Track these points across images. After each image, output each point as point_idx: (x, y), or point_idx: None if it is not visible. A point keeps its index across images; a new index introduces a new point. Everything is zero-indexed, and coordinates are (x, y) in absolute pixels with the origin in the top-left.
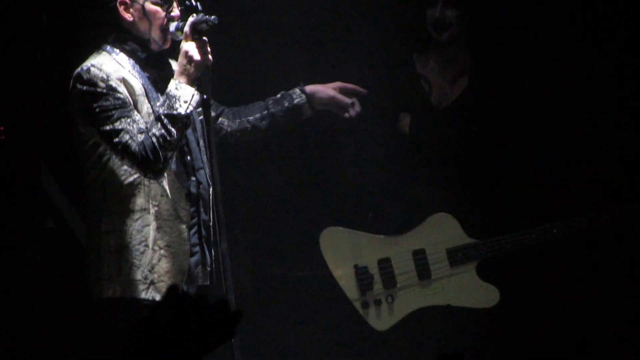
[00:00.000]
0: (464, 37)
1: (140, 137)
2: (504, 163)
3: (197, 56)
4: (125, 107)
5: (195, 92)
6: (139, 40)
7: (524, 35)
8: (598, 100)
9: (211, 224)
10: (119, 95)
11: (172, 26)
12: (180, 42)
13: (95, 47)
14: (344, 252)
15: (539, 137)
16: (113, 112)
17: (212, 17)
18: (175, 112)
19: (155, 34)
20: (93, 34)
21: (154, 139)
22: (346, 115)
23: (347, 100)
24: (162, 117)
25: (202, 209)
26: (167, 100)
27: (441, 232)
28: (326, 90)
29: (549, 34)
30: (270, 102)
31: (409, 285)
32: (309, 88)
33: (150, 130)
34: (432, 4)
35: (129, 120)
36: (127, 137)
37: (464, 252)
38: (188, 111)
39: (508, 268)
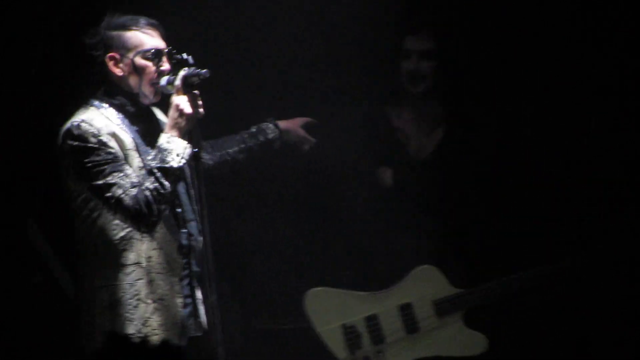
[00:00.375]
0: (437, 88)
1: (134, 191)
2: (486, 210)
3: (188, 109)
4: (117, 162)
5: (188, 145)
6: (127, 94)
7: (494, 84)
8: (574, 143)
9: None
10: (110, 150)
11: (163, 80)
12: (170, 95)
13: (82, 101)
14: (329, 312)
15: (517, 183)
16: (105, 167)
17: (204, 70)
18: (167, 165)
19: (145, 89)
20: (81, 88)
21: (148, 193)
22: (305, 147)
23: (312, 139)
24: (155, 170)
25: (193, 261)
26: (159, 154)
27: (426, 284)
28: (296, 128)
29: (516, 84)
30: (246, 135)
31: (398, 340)
32: (282, 124)
33: (143, 184)
34: (407, 56)
35: (121, 174)
36: (119, 191)
37: (451, 303)
38: (180, 164)
39: (496, 314)
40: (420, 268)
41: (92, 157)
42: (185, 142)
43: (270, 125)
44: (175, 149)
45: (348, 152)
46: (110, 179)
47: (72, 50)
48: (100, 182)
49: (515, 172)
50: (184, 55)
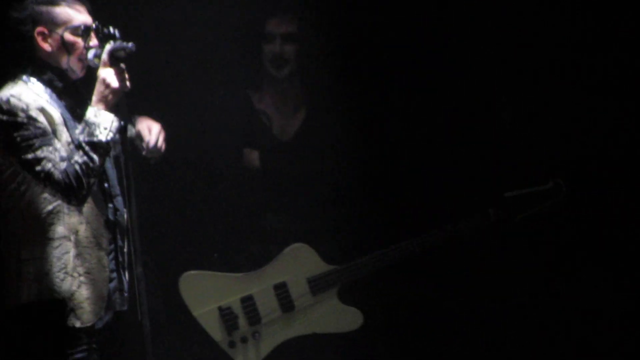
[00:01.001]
0: (299, 71)
1: (63, 165)
2: (354, 186)
3: (114, 83)
4: (46, 136)
5: (115, 118)
6: (56, 70)
7: (353, 64)
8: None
9: (126, 250)
10: (39, 124)
11: (90, 53)
12: (97, 69)
13: (10, 76)
14: (205, 295)
15: (381, 157)
16: (34, 140)
17: (130, 44)
18: (95, 139)
19: (74, 64)
20: (8, 63)
21: (77, 167)
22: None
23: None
24: (84, 144)
25: (118, 236)
26: (87, 128)
27: (300, 262)
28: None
29: (380, 62)
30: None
31: (274, 320)
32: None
33: (72, 158)
34: (270, 40)
35: (50, 148)
36: (49, 165)
37: (325, 280)
38: (109, 138)
39: (369, 288)
40: (293, 246)
41: (21, 132)
42: (112, 115)
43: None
44: (103, 122)
45: (214, 135)
46: (39, 153)
47: None
48: (30, 156)
49: (377, 147)
50: (111, 30)
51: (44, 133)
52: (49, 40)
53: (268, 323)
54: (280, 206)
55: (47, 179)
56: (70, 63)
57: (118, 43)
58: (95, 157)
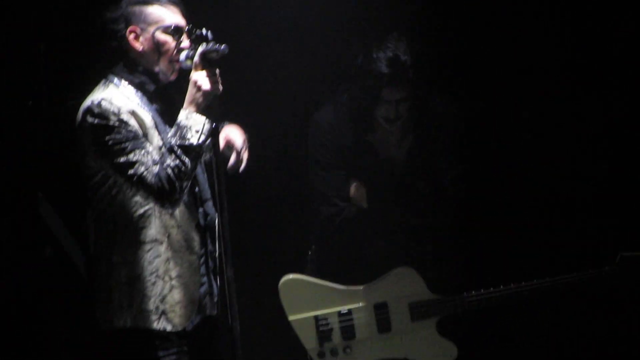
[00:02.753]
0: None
1: (155, 169)
2: (473, 219)
3: (206, 85)
4: (137, 139)
5: (207, 121)
6: (146, 71)
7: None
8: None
9: (217, 254)
10: (130, 128)
11: (182, 55)
12: (189, 71)
13: (101, 77)
14: (304, 302)
15: (505, 193)
16: (126, 144)
17: (223, 46)
18: (187, 142)
19: (164, 65)
20: (100, 63)
21: (169, 170)
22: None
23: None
24: (175, 147)
25: (209, 240)
26: (179, 131)
27: (404, 286)
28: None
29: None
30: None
31: (368, 338)
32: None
33: (164, 162)
34: (386, 104)
35: (142, 152)
36: (142, 168)
37: (427, 308)
38: (200, 141)
39: (469, 325)
40: (401, 269)
41: (113, 135)
42: (204, 117)
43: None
44: (194, 125)
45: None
46: (132, 157)
47: (92, 25)
48: (122, 159)
49: (504, 179)
50: (204, 31)
51: (135, 136)
52: (141, 39)
53: (362, 340)
54: (394, 229)
55: (139, 182)
56: (161, 64)
57: (210, 45)
58: (187, 160)
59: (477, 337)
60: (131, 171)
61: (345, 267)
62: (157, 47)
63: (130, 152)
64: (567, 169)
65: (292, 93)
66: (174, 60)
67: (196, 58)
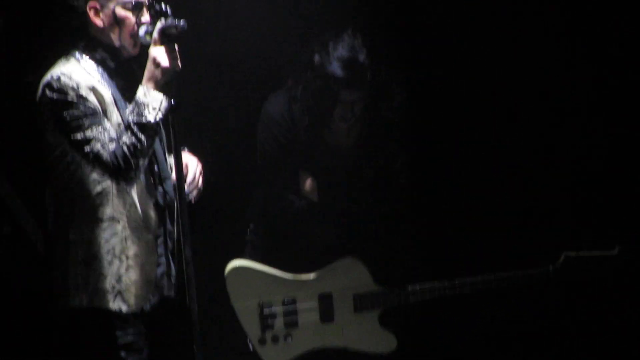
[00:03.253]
0: None
1: (112, 146)
2: (421, 209)
3: (165, 62)
4: (95, 116)
5: (164, 98)
6: (108, 47)
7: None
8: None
9: (175, 234)
10: (89, 104)
11: (142, 30)
12: (148, 46)
13: (62, 53)
14: (249, 288)
15: (454, 184)
16: (83, 120)
17: (181, 21)
18: (144, 119)
19: (125, 40)
20: (59, 40)
21: (125, 148)
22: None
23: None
24: (132, 125)
25: (167, 219)
26: (136, 108)
27: (350, 276)
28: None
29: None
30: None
31: (310, 326)
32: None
33: (120, 139)
34: (343, 104)
35: (99, 128)
36: (98, 145)
37: (371, 299)
38: (157, 119)
39: (412, 317)
40: (347, 259)
41: (71, 111)
42: (162, 95)
43: None
44: (152, 102)
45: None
46: (88, 133)
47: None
48: (79, 136)
49: (454, 168)
50: (163, 6)
51: (93, 112)
52: (101, 14)
53: (303, 329)
54: (341, 218)
55: (95, 159)
56: (122, 39)
57: (170, 20)
58: (143, 138)
59: (418, 330)
60: (87, 148)
61: (292, 253)
62: (118, 23)
63: (87, 128)
64: (517, 163)
65: (246, 81)
66: (135, 35)
67: (155, 34)
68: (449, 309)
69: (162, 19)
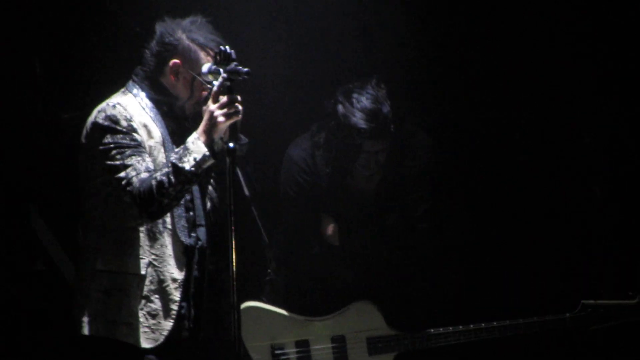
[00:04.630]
0: None
1: (144, 176)
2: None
3: (221, 119)
4: (138, 148)
5: (207, 153)
6: (170, 97)
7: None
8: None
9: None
10: (136, 136)
11: (205, 67)
12: (208, 84)
13: (119, 88)
14: (262, 329)
15: (473, 232)
16: (127, 149)
17: (246, 69)
18: (180, 164)
19: (189, 105)
20: (112, 75)
21: (154, 182)
22: None
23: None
24: (169, 164)
25: (195, 266)
26: (180, 151)
27: (363, 320)
28: None
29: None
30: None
31: None
32: None
33: (155, 173)
34: (365, 154)
35: (139, 158)
36: (133, 173)
37: (384, 343)
38: (192, 169)
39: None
40: (360, 303)
41: (117, 138)
42: (206, 149)
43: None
44: (195, 152)
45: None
46: (128, 160)
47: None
48: (118, 161)
49: (474, 217)
50: (228, 49)
51: (138, 145)
52: (179, 74)
53: None
54: (358, 262)
55: (126, 185)
56: (187, 102)
57: (234, 65)
58: (173, 180)
59: None
60: (123, 173)
61: (311, 296)
62: (191, 90)
63: (128, 157)
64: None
65: (270, 125)
66: (200, 103)
67: (215, 88)
68: (465, 355)
69: (230, 64)
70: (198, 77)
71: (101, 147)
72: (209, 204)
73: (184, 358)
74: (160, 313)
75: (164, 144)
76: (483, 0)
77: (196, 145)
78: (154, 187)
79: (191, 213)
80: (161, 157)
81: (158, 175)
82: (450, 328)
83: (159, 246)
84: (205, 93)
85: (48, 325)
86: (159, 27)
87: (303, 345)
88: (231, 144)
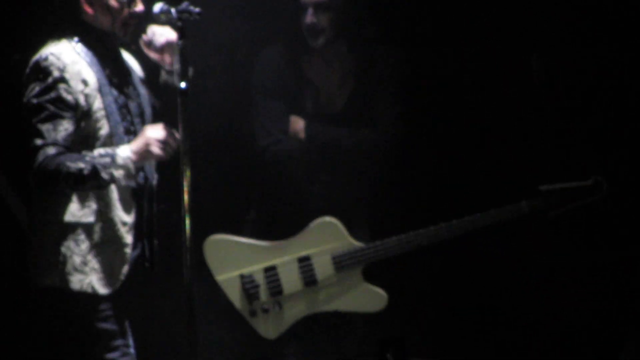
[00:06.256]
0: (342, 39)
1: (51, 151)
2: (394, 164)
3: (155, 150)
4: (61, 111)
5: (132, 173)
6: (99, 32)
7: (402, 31)
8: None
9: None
10: (63, 92)
11: (157, 7)
12: (161, 24)
13: (54, 36)
14: (229, 261)
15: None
16: (45, 111)
17: (197, 9)
18: (103, 174)
19: (117, 27)
20: (50, 22)
21: (63, 169)
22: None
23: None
24: (89, 163)
25: (146, 204)
26: (108, 159)
27: (326, 237)
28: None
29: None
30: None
31: (296, 293)
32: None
33: (72, 158)
34: (304, 10)
35: (54, 124)
36: (39, 142)
37: (350, 258)
38: (110, 181)
39: (396, 269)
40: (321, 220)
41: (42, 97)
42: (133, 171)
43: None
44: (122, 169)
45: (261, 99)
46: (41, 126)
47: None
48: (34, 124)
49: (425, 127)
50: None
51: (62, 105)
52: (92, 3)
53: (290, 296)
54: (319, 177)
55: (34, 150)
56: (114, 27)
57: (185, 4)
58: (85, 179)
59: (405, 281)
60: (33, 140)
61: (282, 218)
62: (110, 11)
63: (44, 120)
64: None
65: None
66: (127, 22)
67: (173, 13)
68: (431, 257)
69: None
70: None
71: (26, 100)
72: None
73: (140, 300)
74: (115, 258)
75: (100, 90)
76: None
77: (125, 163)
78: (61, 174)
79: None
80: (97, 104)
81: (72, 165)
82: (411, 232)
83: (106, 192)
84: (123, 2)
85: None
86: None
87: (271, 270)
88: (183, 84)
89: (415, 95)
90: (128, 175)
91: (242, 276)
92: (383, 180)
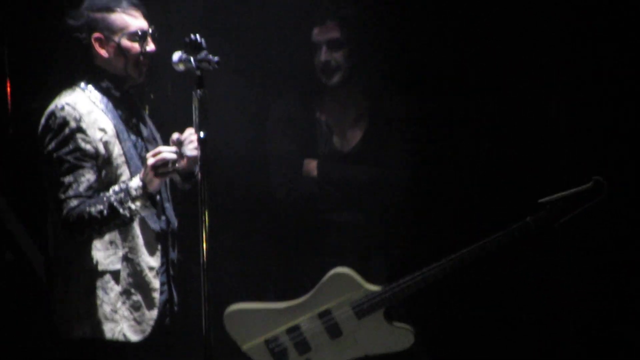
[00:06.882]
0: (356, 78)
1: (74, 203)
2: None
3: (162, 171)
4: (80, 160)
5: (148, 204)
6: (113, 77)
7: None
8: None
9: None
10: (80, 142)
11: (175, 56)
12: (179, 73)
13: (67, 84)
14: (251, 329)
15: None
16: (65, 163)
17: (216, 58)
18: (122, 210)
19: (132, 70)
20: (65, 70)
21: (86, 215)
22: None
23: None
24: (107, 201)
25: (170, 248)
26: (123, 195)
27: (342, 288)
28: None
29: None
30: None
31: (323, 346)
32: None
33: (91, 203)
34: (317, 49)
35: (75, 175)
36: (62, 196)
37: (369, 303)
38: (130, 215)
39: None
40: (334, 272)
41: (61, 149)
42: (148, 201)
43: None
44: (138, 200)
45: (274, 143)
46: (64, 178)
47: (57, 32)
48: (56, 176)
49: (438, 166)
50: (198, 37)
51: (82, 155)
52: (106, 46)
53: (318, 350)
54: (335, 218)
55: (59, 208)
56: (128, 69)
57: (204, 53)
58: (108, 220)
59: (428, 317)
60: (56, 194)
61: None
62: (124, 53)
63: (66, 173)
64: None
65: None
66: (140, 63)
67: (192, 64)
68: (449, 288)
69: (200, 52)
70: (122, 39)
71: (45, 153)
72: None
73: (169, 345)
74: (143, 304)
75: (118, 136)
76: None
77: (138, 194)
78: (84, 220)
79: (157, 196)
80: (117, 150)
81: (92, 210)
82: (424, 269)
83: (130, 238)
84: (135, 45)
85: (24, 319)
86: (68, 20)
87: (295, 330)
88: (202, 134)
89: (423, 134)
90: (144, 205)
91: (267, 341)
92: (399, 216)
